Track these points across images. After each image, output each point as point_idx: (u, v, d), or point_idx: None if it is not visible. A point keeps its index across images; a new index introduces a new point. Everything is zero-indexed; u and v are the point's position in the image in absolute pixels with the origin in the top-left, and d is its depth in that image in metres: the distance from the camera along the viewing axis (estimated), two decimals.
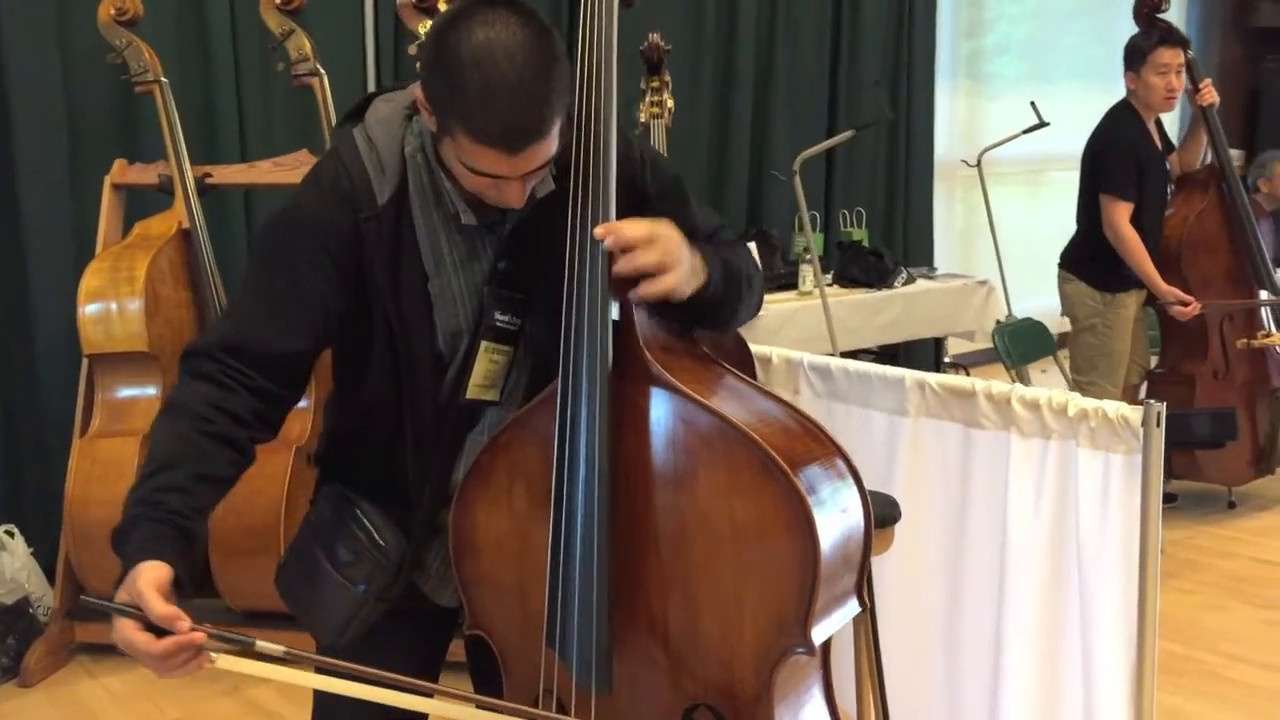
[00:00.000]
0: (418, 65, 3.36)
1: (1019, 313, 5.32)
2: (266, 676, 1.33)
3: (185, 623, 1.31)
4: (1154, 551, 2.13)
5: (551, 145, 1.41)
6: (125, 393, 3.33)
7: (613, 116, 1.46)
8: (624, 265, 1.41)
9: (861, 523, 1.49)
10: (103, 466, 3.19)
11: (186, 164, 3.44)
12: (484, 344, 1.55)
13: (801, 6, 5.66)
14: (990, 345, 5.63)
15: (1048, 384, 3.54)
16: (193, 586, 3.57)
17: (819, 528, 1.36)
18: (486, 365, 1.56)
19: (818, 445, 1.50)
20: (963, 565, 2.45)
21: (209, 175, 3.49)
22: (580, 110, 1.45)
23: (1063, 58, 7.38)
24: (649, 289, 1.42)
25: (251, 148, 4.02)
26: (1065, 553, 2.27)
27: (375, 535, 1.63)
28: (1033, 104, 4.99)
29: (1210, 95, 4.22)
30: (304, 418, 3.24)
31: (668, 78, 2.95)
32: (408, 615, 1.69)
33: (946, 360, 6.05)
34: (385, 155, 1.52)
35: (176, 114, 3.44)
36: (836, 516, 1.43)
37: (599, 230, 1.41)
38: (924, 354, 5.90)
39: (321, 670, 1.41)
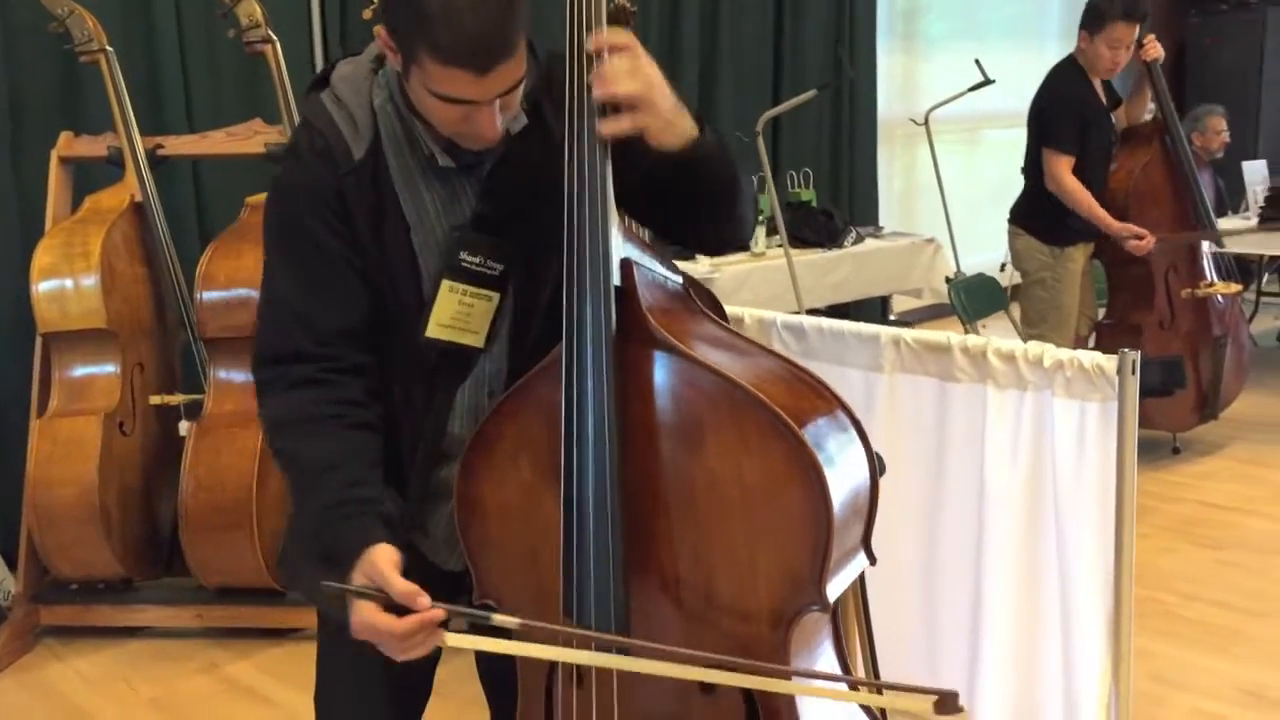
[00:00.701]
0: (368, 13, 3.29)
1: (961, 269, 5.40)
2: (501, 651, 1.34)
3: (426, 599, 1.33)
4: (1130, 496, 2.18)
5: (520, 66, 1.39)
6: (83, 371, 3.27)
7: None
8: (599, 93, 1.38)
9: (868, 476, 1.51)
10: (64, 446, 3.14)
11: (137, 135, 3.37)
12: (447, 283, 1.52)
13: None
14: (933, 302, 5.73)
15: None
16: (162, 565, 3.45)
17: (830, 484, 1.37)
18: (454, 306, 1.53)
19: (821, 401, 1.51)
20: (941, 517, 2.50)
21: (160, 146, 3.42)
22: (573, 50, 1.42)
23: (992, 16, 7.46)
24: (617, 125, 1.38)
25: (198, 117, 3.94)
26: (1042, 501, 2.32)
27: None
28: (977, 61, 5.05)
29: (1155, 50, 4.29)
30: None
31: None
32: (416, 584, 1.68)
33: (892, 318, 6.14)
34: (355, 111, 1.51)
35: (125, 85, 3.36)
36: (844, 471, 1.45)
37: (591, 44, 1.39)
38: (870, 312, 5.97)
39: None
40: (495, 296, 1.54)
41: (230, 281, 3.17)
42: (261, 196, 3.37)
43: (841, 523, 1.41)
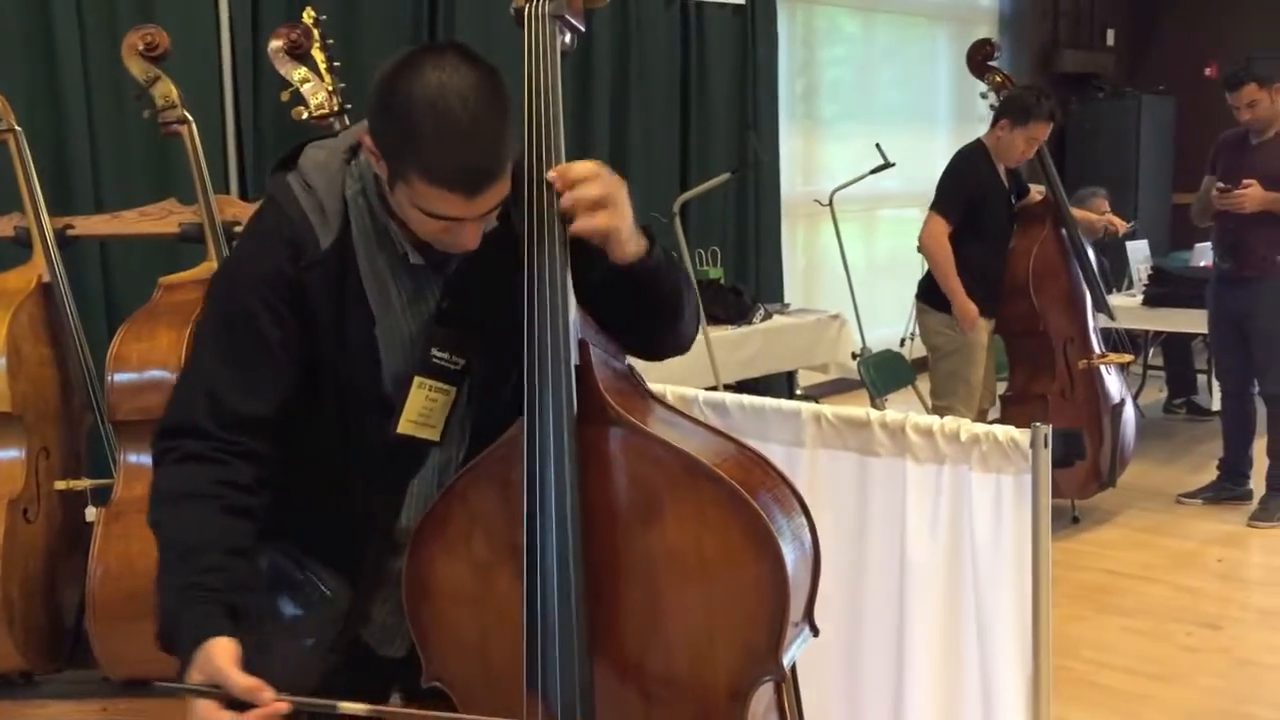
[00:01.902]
0: (286, 95, 3.30)
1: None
2: None
3: (269, 693, 1.31)
4: (1046, 565, 2.26)
5: (506, 185, 1.42)
6: None
7: (561, 155, 1.48)
8: (567, 198, 1.42)
9: (812, 549, 1.55)
10: None
11: (45, 215, 3.30)
12: (418, 379, 1.53)
13: (651, 62, 5.80)
14: (839, 376, 5.85)
15: None
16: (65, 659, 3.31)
17: (784, 555, 1.41)
18: (422, 402, 1.54)
19: (768, 477, 1.55)
20: (863, 589, 2.54)
21: (70, 226, 3.35)
22: (533, 157, 1.47)
23: (883, 100, 7.74)
24: (590, 222, 1.42)
25: (108, 197, 3.88)
26: (962, 571, 2.38)
27: (321, 586, 1.61)
28: (878, 146, 5.24)
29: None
30: None
31: None
32: (347, 673, 1.66)
33: (798, 392, 6.23)
34: (326, 200, 1.51)
35: (33, 164, 3.30)
36: (794, 543, 1.49)
37: (551, 174, 1.43)
38: (777, 388, 6.06)
39: None
40: (453, 391, 1.56)
41: (143, 363, 3.10)
42: (175, 276, 3.34)
43: (795, 593, 1.45)
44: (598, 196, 1.42)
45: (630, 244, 1.46)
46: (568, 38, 1.56)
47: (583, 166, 1.43)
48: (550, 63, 1.48)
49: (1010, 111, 4.40)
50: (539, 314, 1.44)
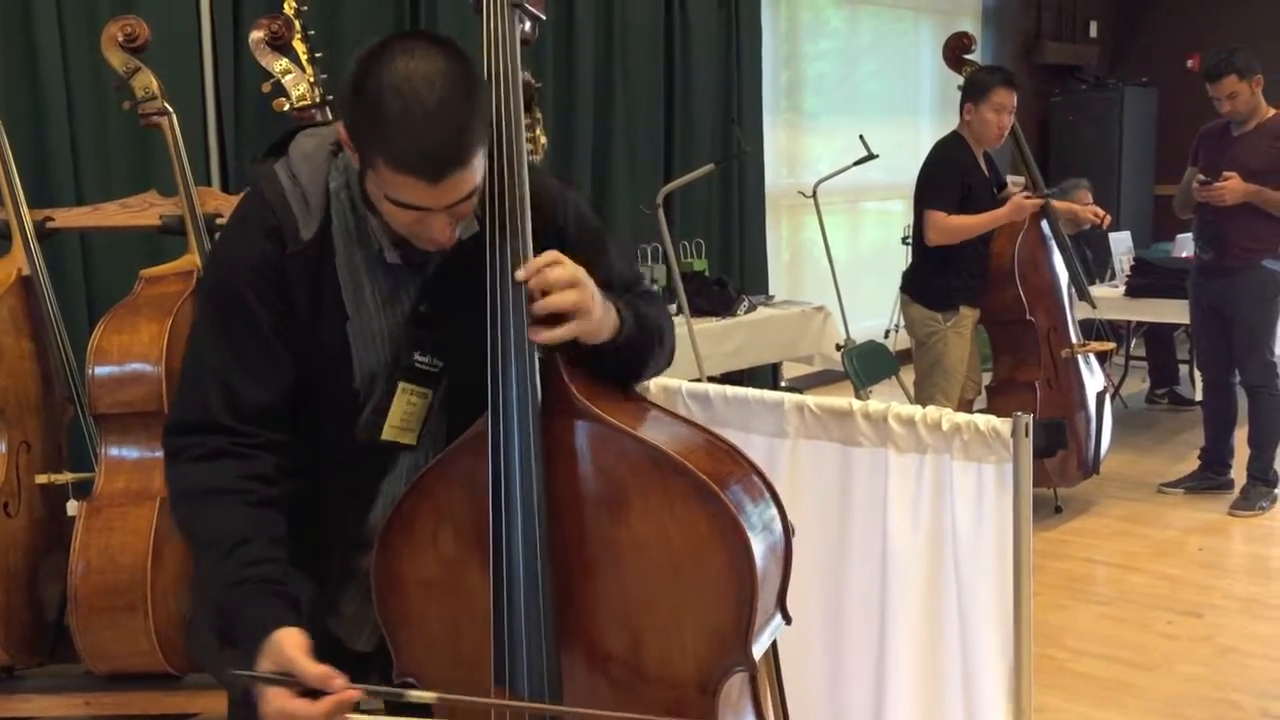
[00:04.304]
0: (267, 87, 3.28)
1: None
2: None
3: (340, 680, 1.32)
4: (1027, 553, 2.26)
5: (475, 176, 1.40)
6: None
7: (524, 151, 1.49)
8: (538, 307, 1.44)
9: (783, 537, 1.55)
10: None
11: (24, 207, 3.28)
12: (402, 384, 1.53)
13: (635, 54, 5.80)
14: (823, 368, 5.87)
15: None
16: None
17: (753, 545, 1.41)
18: (404, 407, 1.54)
19: (737, 466, 1.55)
20: (845, 579, 2.54)
21: (50, 219, 3.33)
22: (493, 146, 1.46)
23: (867, 92, 7.75)
24: (554, 334, 1.44)
25: (88, 189, 3.86)
26: (943, 560, 2.39)
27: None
28: (861, 137, 5.24)
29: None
30: None
31: (539, 114, 3.00)
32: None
33: (783, 384, 6.24)
34: (310, 191, 1.50)
35: (11, 156, 3.28)
36: (764, 533, 1.49)
37: (520, 274, 1.43)
38: (761, 379, 6.07)
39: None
40: (430, 394, 1.56)
41: (124, 356, 3.09)
42: (156, 269, 3.32)
43: (763, 583, 1.45)
44: (572, 305, 1.44)
45: (601, 334, 1.49)
46: (528, 25, 1.56)
47: (556, 274, 1.43)
48: (509, 51, 1.49)
49: (969, 93, 4.42)
50: (501, 305, 1.44)
